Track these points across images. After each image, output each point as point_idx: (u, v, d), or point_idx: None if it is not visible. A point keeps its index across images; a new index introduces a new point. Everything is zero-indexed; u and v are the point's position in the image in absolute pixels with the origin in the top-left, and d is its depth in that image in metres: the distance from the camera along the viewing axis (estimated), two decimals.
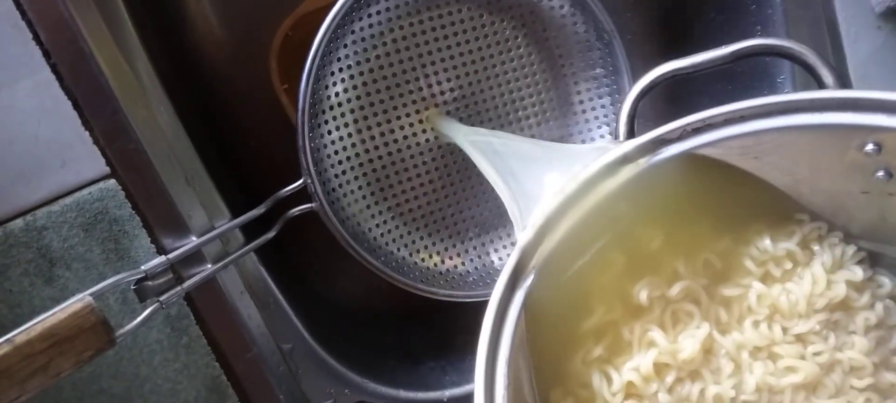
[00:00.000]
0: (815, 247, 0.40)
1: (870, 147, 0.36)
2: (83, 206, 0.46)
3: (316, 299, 0.63)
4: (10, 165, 0.45)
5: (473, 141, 0.53)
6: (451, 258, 0.63)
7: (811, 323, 0.39)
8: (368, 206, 0.60)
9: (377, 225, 0.60)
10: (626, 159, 0.39)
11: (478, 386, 0.33)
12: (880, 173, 0.37)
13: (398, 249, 0.61)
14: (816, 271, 0.39)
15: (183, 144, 0.53)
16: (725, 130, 0.38)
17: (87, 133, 0.46)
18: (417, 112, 0.60)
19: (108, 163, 0.46)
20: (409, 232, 0.62)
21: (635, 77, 0.61)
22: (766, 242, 0.41)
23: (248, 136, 0.63)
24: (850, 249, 0.40)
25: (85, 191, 0.46)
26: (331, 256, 0.58)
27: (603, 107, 0.64)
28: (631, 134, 0.45)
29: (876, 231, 0.40)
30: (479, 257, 0.64)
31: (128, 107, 0.46)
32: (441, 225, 0.63)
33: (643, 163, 0.39)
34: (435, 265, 0.62)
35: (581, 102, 0.64)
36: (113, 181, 0.47)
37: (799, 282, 0.40)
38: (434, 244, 0.63)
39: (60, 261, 0.46)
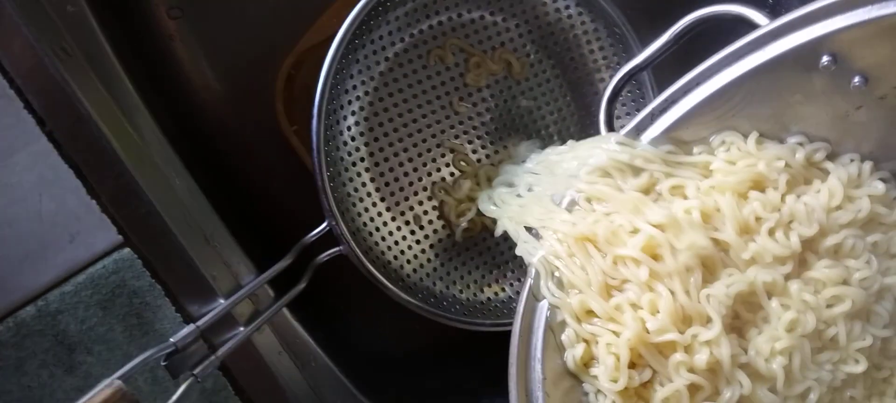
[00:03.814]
0: (828, 166, 0.39)
1: (826, 60, 0.36)
2: (98, 282, 0.42)
3: (356, 348, 0.59)
4: (14, 248, 0.41)
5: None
6: (488, 285, 0.60)
7: (840, 236, 0.38)
8: (397, 242, 0.56)
9: (408, 261, 0.57)
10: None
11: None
12: (856, 80, 0.37)
13: (434, 283, 0.57)
14: (833, 184, 0.39)
15: (198, 202, 0.49)
16: (689, 100, 0.40)
17: (94, 201, 0.42)
18: (434, 137, 0.57)
19: (121, 231, 0.43)
20: (443, 264, 0.58)
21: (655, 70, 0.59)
22: (750, 144, 0.40)
23: (264, 184, 0.59)
24: (867, 165, 0.39)
25: (98, 265, 0.43)
26: (366, 299, 0.54)
27: (623, 104, 0.61)
28: None
29: (888, 145, 0.39)
30: (519, 280, 0.60)
31: (135, 168, 0.43)
32: (475, 252, 0.59)
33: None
34: (474, 295, 0.59)
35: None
36: (127, 250, 0.43)
37: (816, 196, 0.39)
38: (470, 273, 0.59)
39: (80, 346, 0.42)
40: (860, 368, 0.39)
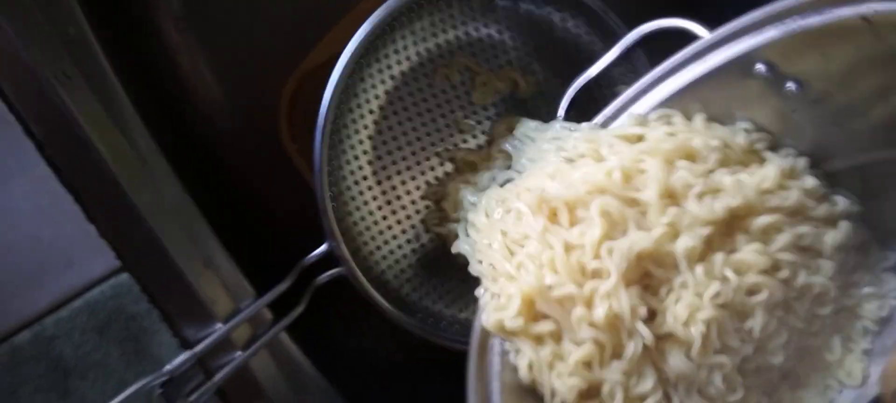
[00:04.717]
0: (768, 155, 0.41)
1: (760, 67, 0.38)
2: (95, 307, 0.42)
3: (355, 369, 0.58)
4: (11, 273, 0.41)
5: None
6: None
7: (770, 218, 0.39)
8: (397, 262, 0.56)
9: (408, 281, 0.56)
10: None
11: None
12: (789, 86, 0.38)
13: (433, 303, 0.57)
14: (769, 170, 0.40)
15: (197, 224, 0.49)
16: (639, 107, 0.42)
17: (93, 226, 0.42)
18: (439, 155, 0.56)
19: (119, 256, 0.42)
20: (443, 283, 0.58)
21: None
22: (697, 122, 0.41)
23: (264, 204, 0.59)
24: (802, 161, 0.41)
25: (96, 290, 0.42)
26: (365, 319, 0.54)
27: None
28: None
29: (824, 147, 0.41)
30: None
31: (134, 193, 0.42)
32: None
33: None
34: (474, 314, 0.58)
35: None
36: (125, 275, 0.43)
37: (750, 175, 0.40)
38: (471, 292, 0.58)
39: (75, 371, 0.42)
40: (778, 360, 0.40)
